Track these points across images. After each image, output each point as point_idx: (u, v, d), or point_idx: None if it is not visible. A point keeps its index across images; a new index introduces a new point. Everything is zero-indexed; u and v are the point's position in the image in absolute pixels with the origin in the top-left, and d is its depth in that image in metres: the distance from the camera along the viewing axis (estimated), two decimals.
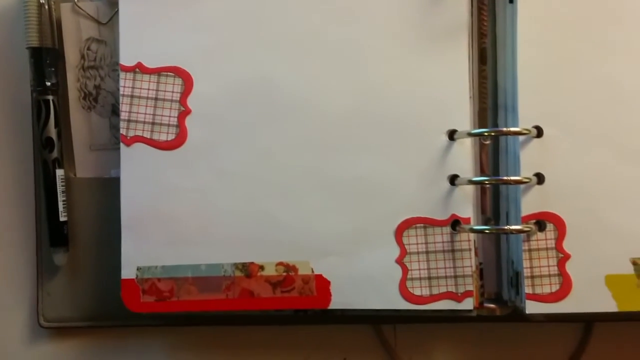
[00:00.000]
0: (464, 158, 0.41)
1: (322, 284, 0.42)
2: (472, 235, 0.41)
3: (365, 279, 0.41)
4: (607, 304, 0.39)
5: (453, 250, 0.41)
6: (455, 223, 0.41)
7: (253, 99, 0.42)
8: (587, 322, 0.45)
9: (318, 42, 0.42)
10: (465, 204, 0.41)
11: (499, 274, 0.42)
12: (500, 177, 0.41)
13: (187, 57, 0.43)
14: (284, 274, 0.42)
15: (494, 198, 0.42)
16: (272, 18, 0.42)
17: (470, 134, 0.40)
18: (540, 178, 0.40)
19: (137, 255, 0.42)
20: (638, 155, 0.39)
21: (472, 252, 0.41)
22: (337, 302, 0.41)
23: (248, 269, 0.42)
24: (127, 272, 0.42)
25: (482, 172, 0.42)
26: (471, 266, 0.41)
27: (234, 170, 0.42)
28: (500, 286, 0.42)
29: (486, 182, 0.40)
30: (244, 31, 0.42)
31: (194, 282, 0.42)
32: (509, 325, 0.44)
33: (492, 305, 0.42)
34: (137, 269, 0.42)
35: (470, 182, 0.40)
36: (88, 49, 0.46)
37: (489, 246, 0.43)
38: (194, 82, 0.43)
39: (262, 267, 0.42)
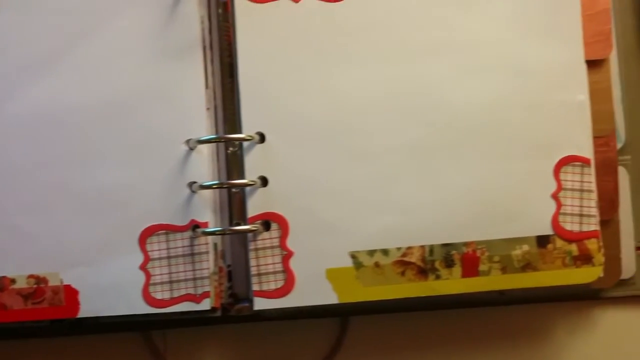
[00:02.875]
0: (201, 165, 0.43)
1: (71, 293, 0.43)
2: (210, 239, 0.43)
3: (111, 287, 0.43)
4: (328, 297, 0.41)
5: (192, 254, 0.43)
6: (195, 228, 0.43)
7: None
8: (342, 317, 0.47)
9: (65, 59, 0.44)
10: (203, 209, 0.43)
11: (248, 275, 0.44)
12: (225, 181, 0.43)
13: None
14: (35, 286, 0.43)
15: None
16: (21, 40, 0.44)
17: (199, 142, 0.42)
18: (264, 181, 0.42)
19: None
20: (353, 156, 0.42)
21: (211, 255, 0.43)
22: (86, 310, 0.43)
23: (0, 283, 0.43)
24: None
25: (229, 179, 0.44)
26: (209, 268, 0.42)
27: None
28: (248, 287, 0.44)
29: (214, 186, 0.42)
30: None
31: None
32: (277, 324, 0.46)
33: (243, 305, 0.44)
34: None
35: (202, 187, 0.42)
36: None
37: (239, 249, 0.45)
38: None
39: (13, 280, 0.43)
